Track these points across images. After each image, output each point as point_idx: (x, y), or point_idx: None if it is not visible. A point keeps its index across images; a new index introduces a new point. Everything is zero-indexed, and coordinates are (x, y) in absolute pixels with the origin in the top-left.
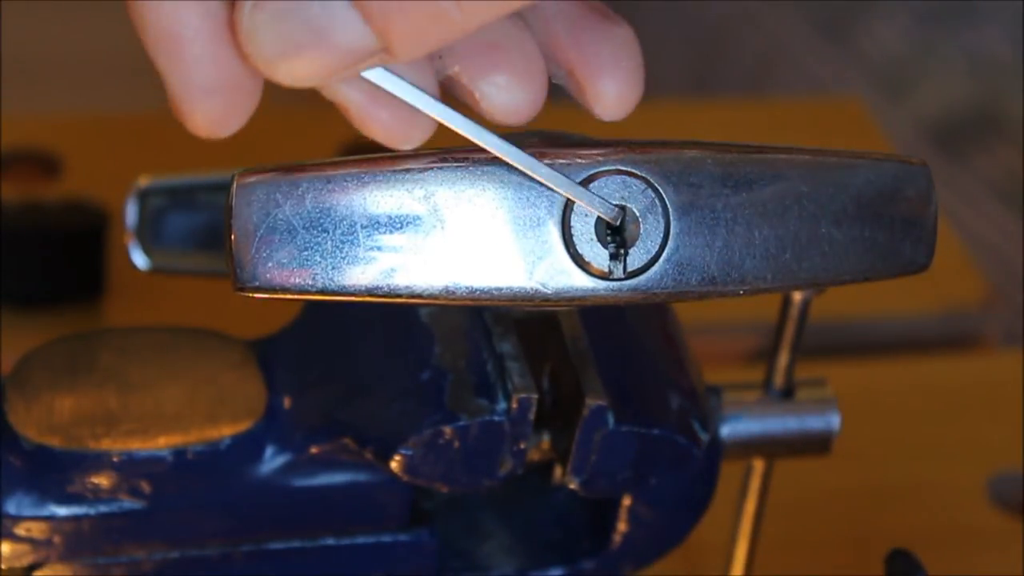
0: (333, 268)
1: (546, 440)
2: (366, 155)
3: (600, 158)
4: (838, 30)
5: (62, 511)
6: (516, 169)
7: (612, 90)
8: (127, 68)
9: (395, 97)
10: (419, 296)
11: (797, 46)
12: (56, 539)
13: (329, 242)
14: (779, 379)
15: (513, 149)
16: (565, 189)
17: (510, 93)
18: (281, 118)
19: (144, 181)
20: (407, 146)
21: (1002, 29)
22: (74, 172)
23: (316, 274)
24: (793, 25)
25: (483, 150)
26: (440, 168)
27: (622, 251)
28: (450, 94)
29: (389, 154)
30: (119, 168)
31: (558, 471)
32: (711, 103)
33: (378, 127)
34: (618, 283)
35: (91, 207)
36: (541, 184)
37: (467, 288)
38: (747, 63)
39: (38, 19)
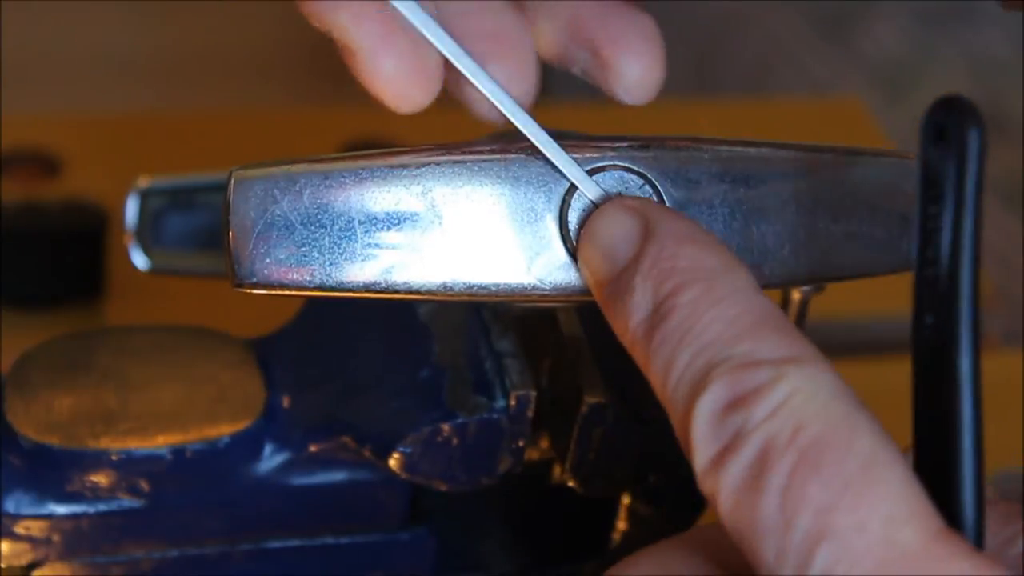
0: (331, 264)
1: (545, 438)
2: (363, 151)
3: (598, 154)
4: (838, 30)
5: (61, 510)
6: (514, 163)
7: (637, 69)
8: (127, 68)
9: (402, 50)
10: (417, 292)
11: (797, 46)
12: (55, 538)
13: (327, 238)
14: None
15: (525, 115)
16: (573, 173)
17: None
18: (281, 118)
19: (144, 181)
20: (406, 107)
21: (1002, 30)
22: (74, 172)
23: (314, 270)
24: (793, 25)
25: (479, 148)
26: (437, 164)
27: None
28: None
29: (386, 150)
30: (119, 168)
31: (557, 469)
32: (711, 103)
33: (380, 78)
34: None
35: (91, 207)
36: (550, 165)
37: (465, 284)
38: (747, 63)
39: (38, 19)
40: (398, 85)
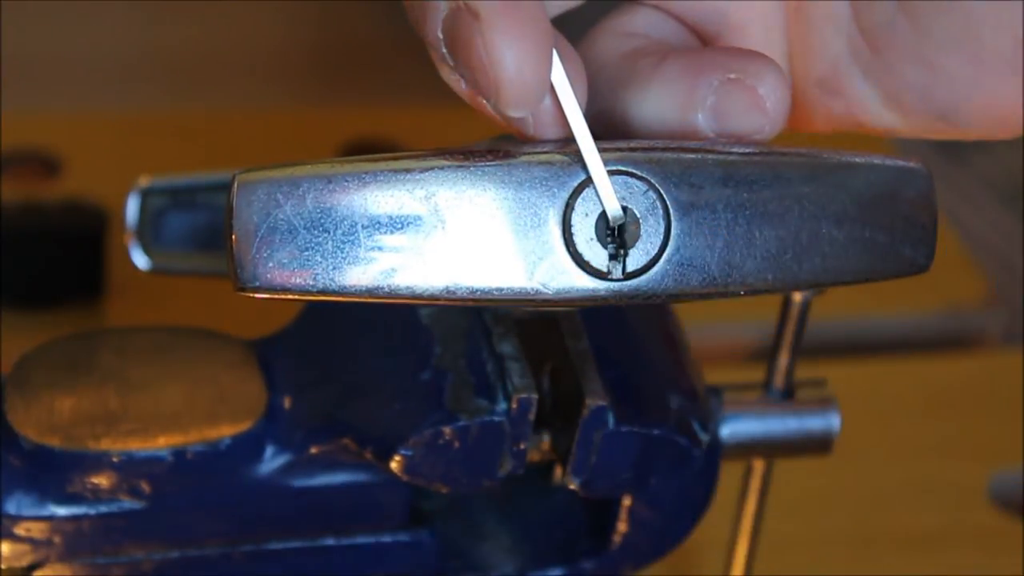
0: (334, 268)
1: (546, 440)
2: (367, 155)
3: (602, 159)
4: None
5: (62, 511)
6: (517, 168)
7: (778, 90)
8: (127, 68)
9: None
10: (420, 296)
11: None
12: (56, 539)
13: (330, 242)
14: (779, 379)
15: (576, 107)
16: (595, 170)
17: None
18: (281, 118)
19: (144, 181)
20: (520, 107)
21: None
22: (74, 172)
23: (317, 274)
24: None
25: (483, 152)
26: (441, 168)
27: (622, 252)
28: None
29: (390, 154)
30: (119, 168)
31: (558, 471)
32: None
33: (503, 66)
34: (619, 283)
35: (91, 207)
36: (575, 156)
37: (468, 288)
38: None
39: (38, 19)
40: (520, 77)
